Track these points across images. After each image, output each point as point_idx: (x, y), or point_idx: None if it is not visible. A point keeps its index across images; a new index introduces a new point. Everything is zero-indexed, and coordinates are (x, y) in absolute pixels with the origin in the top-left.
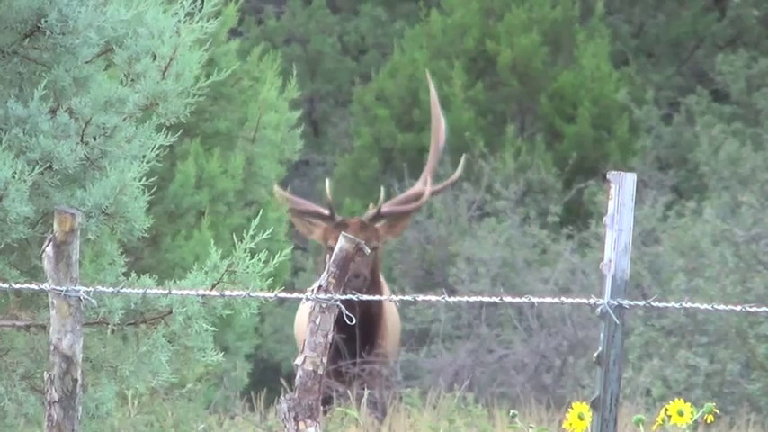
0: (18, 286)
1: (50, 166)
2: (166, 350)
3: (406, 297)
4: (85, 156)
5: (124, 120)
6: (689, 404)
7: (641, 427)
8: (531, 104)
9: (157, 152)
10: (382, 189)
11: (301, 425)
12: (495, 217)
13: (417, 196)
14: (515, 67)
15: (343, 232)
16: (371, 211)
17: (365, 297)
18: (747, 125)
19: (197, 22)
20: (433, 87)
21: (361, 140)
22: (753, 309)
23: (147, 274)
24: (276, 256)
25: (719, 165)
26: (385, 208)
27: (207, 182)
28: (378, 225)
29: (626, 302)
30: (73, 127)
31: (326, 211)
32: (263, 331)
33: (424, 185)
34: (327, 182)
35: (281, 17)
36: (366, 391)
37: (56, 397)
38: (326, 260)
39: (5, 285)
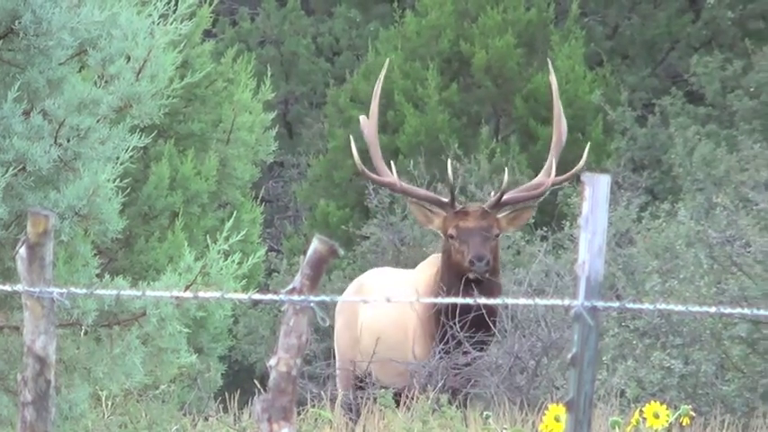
0: None
1: (24, 168)
2: (140, 351)
3: (378, 299)
4: (59, 157)
5: (98, 121)
6: (664, 406)
7: (616, 430)
8: (505, 106)
9: (131, 154)
10: (506, 174)
11: (275, 426)
12: None
13: (539, 186)
14: (490, 68)
15: (317, 234)
16: (493, 198)
17: (339, 299)
18: (722, 126)
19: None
20: (554, 79)
21: (335, 142)
22: (727, 310)
23: (121, 276)
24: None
25: (694, 166)
26: (506, 196)
27: (181, 183)
28: (500, 215)
29: (600, 304)
30: (47, 128)
31: (446, 199)
32: (236, 333)
33: (546, 176)
34: (449, 164)
35: (255, 19)
36: (340, 393)
37: (29, 398)
38: (446, 249)
39: None
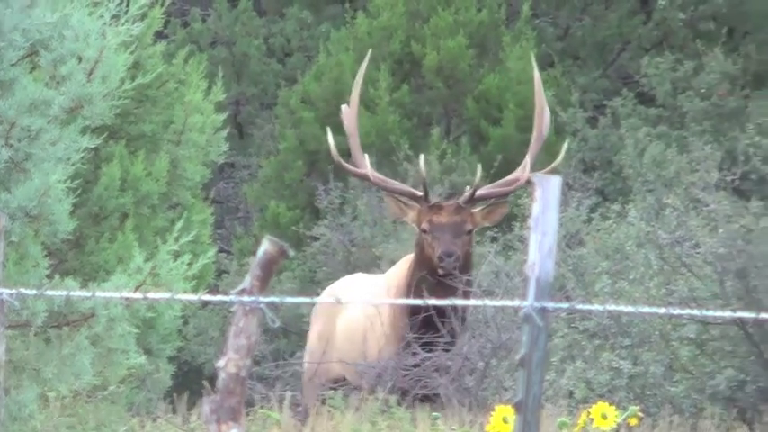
0: None
1: None
2: (89, 352)
3: (330, 299)
4: (10, 158)
5: (49, 122)
6: (612, 406)
7: (565, 431)
8: (456, 107)
9: (82, 155)
10: (479, 169)
11: (224, 427)
12: None
13: (514, 182)
14: (441, 69)
15: (268, 235)
16: (467, 193)
17: (291, 299)
18: (672, 128)
19: (123, 24)
20: (537, 74)
21: (286, 143)
22: (676, 311)
23: (71, 277)
24: (200, 259)
25: (644, 167)
26: (481, 191)
27: (131, 184)
28: (475, 210)
29: (550, 305)
30: None
31: (420, 193)
32: (186, 333)
33: (522, 172)
34: (422, 159)
35: (206, 20)
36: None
37: None
38: (419, 242)
39: None
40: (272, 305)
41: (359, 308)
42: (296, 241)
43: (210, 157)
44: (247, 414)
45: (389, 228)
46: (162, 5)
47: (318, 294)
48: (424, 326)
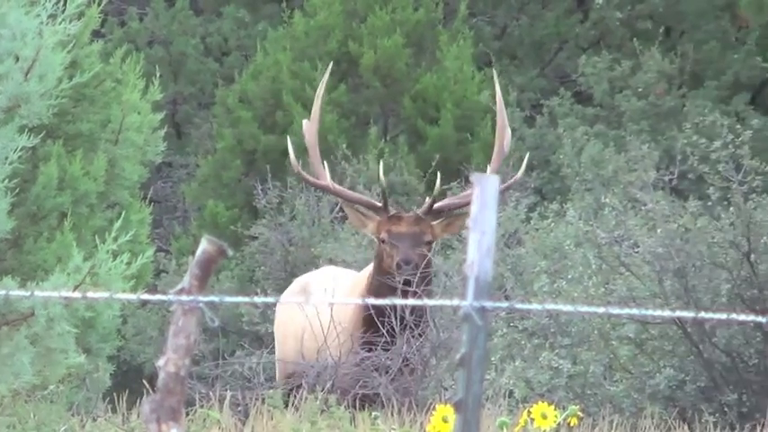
0: None
1: None
2: (29, 352)
3: (269, 299)
4: None
5: None
6: (552, 406)
7: (504, 430)
8: (393, 106)
9: (20, 154)
10: (438, 181)
11: (164, 426)
12: None
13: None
14: (378, 68)
15: (206, 235)
16: (426, 204)
17: (230, 298)
18: (610, 127)
19: (60, 23)
20: (498, 88)
21: (223, 142)
22: (615, 311)
23: (9, 276)
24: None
25: (582, 167)
26: (441, 203)
27: (69, 184)
28: (435, 222)
29: (489, 304)
30: None
31: (379, 203)
32: (125, 333)
33: None
34: (381, 167)
35: (143, 19)
36: (229, 393)
37: None
38: (378, 253)
39: None
40: (210, 304)
41: (324, 306)
42: (234, 240)
43: (148, 157)
44: (187, 413)
45: (328, 227)
46: (99, 4)
47: (257, 294)
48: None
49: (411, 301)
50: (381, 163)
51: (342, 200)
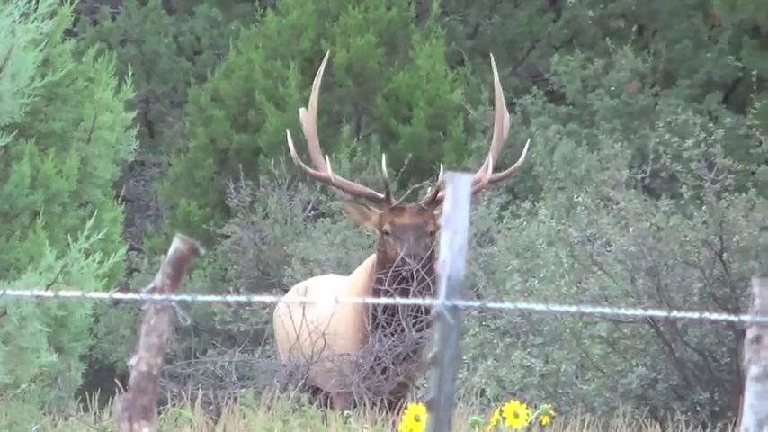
0: None
1: None
2: (1, 351)
3: (241, 297)
4: None
5: None
6: (524, 405)
7: (476, 429)
8: (366, 105)
9: None
10: (442, 171)
11: (135, 425)
12: (330, 217)
13: (476, 183)
14: (351, 67)
15: (179, 233)
16: (429, 195)
17: (202, 297)
18: (582, 126)
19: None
20: (496, 75)
21: (196, 141)
22: (587, 309)
23: None
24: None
25: (555, 165)
26: (441, 193)
27: (41, 182)
28: (437, 212)
29: (461, 303)
30: None
31: (382, 195)
32: (97, 332)
33: (484, 173)
34: (384, 160)
35: (116, 18)
36: (201, 392)
37: None
38: (380, 246)
39: None
40: (183, 303)
41: (323, 310)
42: (207, 239)
43: (121, 155)
44: (159, 412)
45: (300, 226)
46: (71, 3)
47: (229, 292)
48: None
49: (383, 300)
50: (384, 156)
51: (343, 192)
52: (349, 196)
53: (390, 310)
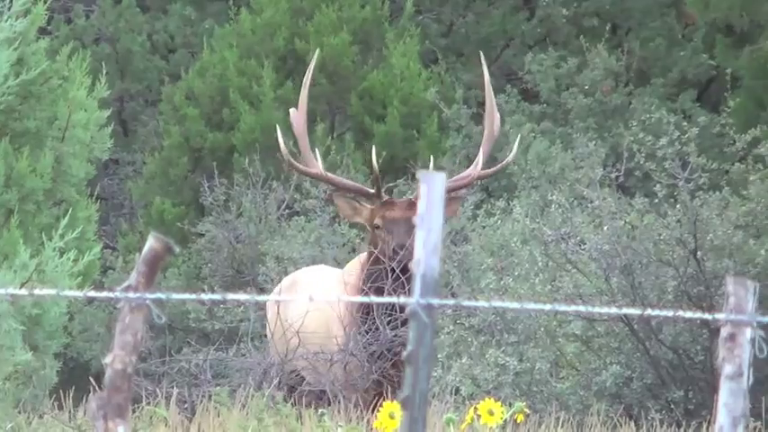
0: None
1: None
2: None
3: (215, 296)
4: None
5: None
6: (498, 403)
7: (451, 427)
8: (340, 104)
9: None
10: (431, 164)
11: (110, 424)
12: (304, 216)
13: (466, 177)
14: (325, 66)
15: (153, 232)
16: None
17: (177, 296)
18: (556, 124)
19: (6, 20)
20: (486, 72)
21: (170, 139)
22: (562, 308)
23: None
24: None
25: (529, 164)
26: None
27: (16, 181)
28: None
29: (435, 301)
30: None
31: (372, 190)
32: (72, 330)
33: (474, 168)
34: (374, 154)
35: (90, 16)
36: (176, 390)
37: None
38: (371, 241)
39: None
40: (157, 301)
41: (312, 304)
42: (181, 238)
43: (95, 154)
44: (134, 410)
45: (274, 224)
46: (45, 2)
47: (204, 291)
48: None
49: (357, 298)
50: (374, 148)
51: (334, 188)
52: (339, 191)
53: (385, 308)
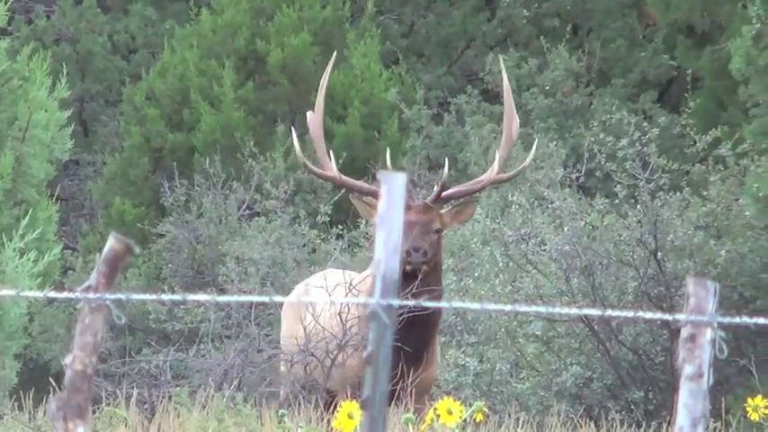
0: None
1: None
2: None
3: (175, 296)
4: None
5: None
6: (458, 402)
7: (410, 427)
8: (301, 104)
9: None
10: (446, 166)
11: (70, 424)
12: (264, 216)
13: (482, 181)
14: (286, 66)
15: (113, 232)
16: (434, 192)
17: (137, 296)
18: None
19: None
20: (505, 75)
21: (131, 140)
22: (522, 308)
23: None
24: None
25: (489, 164)
26: (447, 190)
27: None
28: (443, 211)
29: (396, 302)
30: None
31: None
32: (32, 331)
33: (491, 172)
34: (388, 155)
35: (50, 17)
36: (136, 391)
37: None
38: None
39: None
40: (117, 302)
41: (326, 308)
42: (141, 238)
43: (55, 154)
44: (94, 411)
45: (235, 225)
46: (6, 2)
47: (164, 291)
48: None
49: (318, 299)
50: (389, 150)
51: (349, 190)
52: (355, 193)
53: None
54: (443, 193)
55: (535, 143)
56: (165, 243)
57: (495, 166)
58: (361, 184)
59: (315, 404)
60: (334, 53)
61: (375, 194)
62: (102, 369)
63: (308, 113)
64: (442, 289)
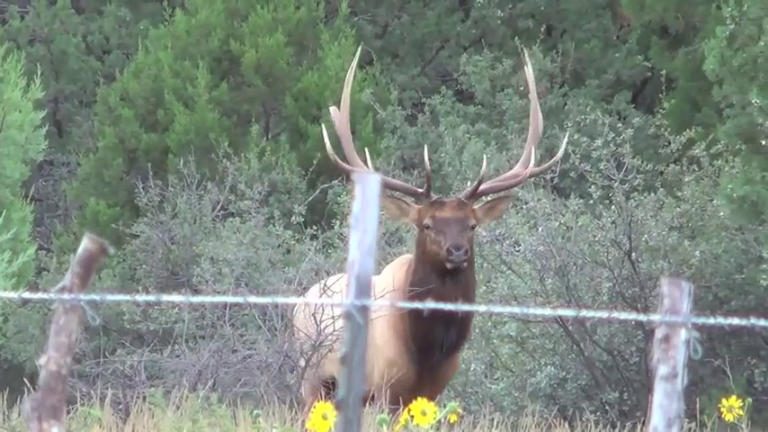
0: None
1: None
2: None
3: (150, 297)
4: None
5: None
6: (432, 404)
7: (385, 428)
8: (275, 105)
9: None
10: (484, 164)
11: (45, 425)
12: (239, 217)
13: (516, 176)
14: (260, 67)
15: (88, 233)
16: (470, 188)
17: (111, 297)
18: (491, 125)
19: None
20: (530, 71)
21: (105, 140)
22: (497, 309)
23: None
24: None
25: (463, 165)
26: (483, 186)
27: None
28: (477, 207)
29: (370, 303)
30: None
31: (421, 189)
32: (6, 331)
33: (524, 167)
34: (426, 152)
35: (24, 17)
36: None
37: None
38: (421, 241)
39: None
40: (92, 303)
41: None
42: (116, 239)
43: (30, 155)
44: (68, 412)
45: (209, 225)
46: None
47: (138, 292)
48: (430, 327)
49: (292, 300)
50: (426, 147)
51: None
52: (386, 191)
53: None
54: (479, 189)
55: (565, 138)
56: (139, 244)
57: (532, 159)
58: (394, 181)
59: (289, 405)
60: (357, 53)
61: (408, 192)
62: (77, 369)
63: (332, 109)
64: (475, 283)
